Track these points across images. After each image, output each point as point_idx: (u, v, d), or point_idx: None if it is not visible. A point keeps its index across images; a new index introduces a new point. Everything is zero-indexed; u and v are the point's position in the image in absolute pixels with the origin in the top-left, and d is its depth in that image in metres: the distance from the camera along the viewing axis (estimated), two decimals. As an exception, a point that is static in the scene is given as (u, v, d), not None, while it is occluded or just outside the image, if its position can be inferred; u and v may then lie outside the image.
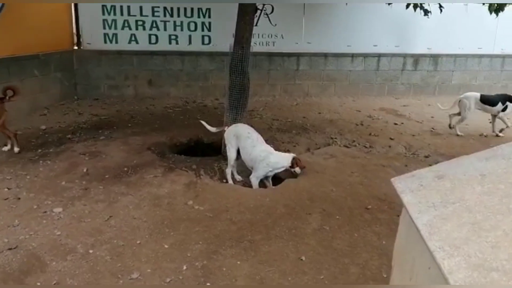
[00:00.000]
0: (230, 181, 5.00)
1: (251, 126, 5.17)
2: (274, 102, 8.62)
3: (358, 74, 9.15)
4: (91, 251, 3.28)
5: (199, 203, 4.08)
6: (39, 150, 5.40)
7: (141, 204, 4.06)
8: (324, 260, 3.24)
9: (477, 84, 9.66)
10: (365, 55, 9.05)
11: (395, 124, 7.36)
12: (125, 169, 4.85)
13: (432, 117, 7.91)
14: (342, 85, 9.00)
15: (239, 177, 5.15)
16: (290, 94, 9.02)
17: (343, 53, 8.86)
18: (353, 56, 8.99)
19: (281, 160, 4.72)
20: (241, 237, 3.53)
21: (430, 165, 5.38)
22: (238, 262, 3.19)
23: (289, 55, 8.77)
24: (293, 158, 4.70)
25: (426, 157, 5.91)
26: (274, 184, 4.91)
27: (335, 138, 6.53)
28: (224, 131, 5.15)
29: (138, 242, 3.42)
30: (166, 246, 3.37)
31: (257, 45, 8.60)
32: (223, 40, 8.36)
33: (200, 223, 3.72)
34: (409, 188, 2.14)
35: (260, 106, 8.23)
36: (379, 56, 9.09)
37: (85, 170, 4.80)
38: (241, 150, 4.90)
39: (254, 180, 4.68)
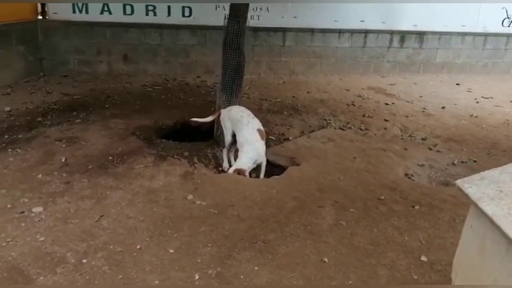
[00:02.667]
0: (226, 165, 4.64)
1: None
2: (259, 81, 8.19)
3: (345, 51, 8.82)
4: (84, 261, 2.84)
5: (200, 198, 3.68)
6: (6, 137, 4.80)
7: (135, 200, 3.62)
8: (348, 262, 2.94)
9: (459, 62, 9.56)
10: (352, 31, 8.71)
11: (387, 104, 7.11)
12: (110, 158, 4.37)
13: (421, 96, 7.72)
14: (329, 62, 8.65)
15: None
16: (275, 72, 8.60)
17: (330, 29, 8.48)
18: (340, 32, 8.63)
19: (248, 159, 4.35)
20: (254, 237, 3.18)
21: (430, 148, 5.22)
22: (256, 268, 2.85)
23: (274, 30, 8.31)
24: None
25: (423, 139, 5.71)
26: (274, 173, 4.58)
27: (329, 120, 6.23)
28: (219, 115, 4.74)
29: (138, 247, 3.01)
30: (171, 251, 2.98)
31: (242, 19, 8.08)
32: (205, 12, 7.83)
33: (205, 222, 3.34)
34: (487, 195, 1.86)
35: (245, 85, 7.75)
36: (366, 32, 8.77)
37: (63, 159, 4.29)
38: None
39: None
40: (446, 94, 7.94)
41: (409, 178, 4.61)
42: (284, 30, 8.34)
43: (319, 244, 3.13)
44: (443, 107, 7.07)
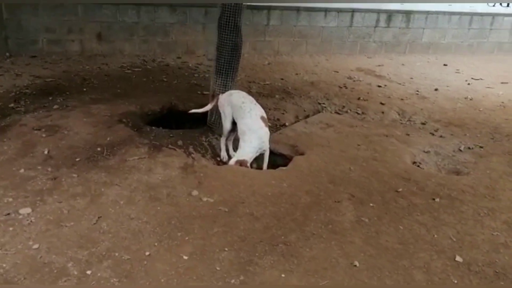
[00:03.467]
0: (224, 154, 4.32)
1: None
2: (244, 61, 7.75)
3: (331, 30, 8.52)
4: (89, 272, 2.48)
5: (206, 194, 3.35)
6: (-24, 125, 4.30)
7: (134, 197, 3.25)
8: (380, 265, 2.70)
9: (445, 42, 9.45)
10: (339, 10, 8.40)
11: (379, 86, 6.90)
12: (99, 149, 3.95)
13: (411, 78, 7.56)
14: (314, 42, 8.34)
15: (234, 153, 4.43)
16: (259, 52, 8.22)
17: (316, 8, 8.14)
18: (326, 11, 8.30)
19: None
20: (273, 238, 2.88)
21: (432, 133, 5.03)
22: (283, 275, 2.56)
23: (259, 8, 7.89)
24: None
25: (423, 124, 5.53)
26: (276, 163, 4.30)
27: (323, 104, 5.96)
28: (217, 100, 4.37)
29: (147, 253, 2.66)
30: (185, 257, 2.65)
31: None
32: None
33: (216, 221, 3.02)
34: None
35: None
36: (352, 11, 8.49)
37: (46, 151, 3.84)
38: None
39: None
40: (436, 76, 7.81)
41: (418, 166, 4.41)
42: (269, 9, 7.94)
43: (345, 245, 2.87)
44: (436, 89, 6.92)
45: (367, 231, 3.04)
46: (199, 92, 5.91)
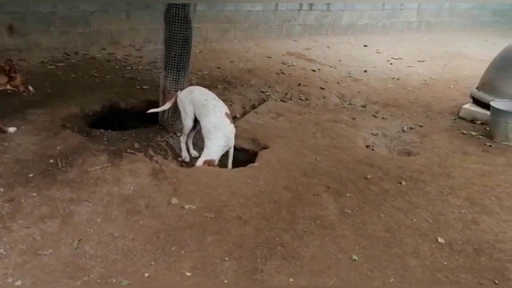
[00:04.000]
0: (185, 154, 4.17)
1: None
2: (174, 50, 7.48)
3: (258, 15, 8.48)
4: (90, 306, 2.27)
5: (186, 200, 3.21)
6: None
7: (110, 212, 3.01)
8: (376, 256, 2.82)
9: (362, 23, 9.91)
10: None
11: (314, 71, 7.07)
12: (51, 161, 3.58)
13: (339, 60, 7.84)
14: (242, 27, 8.25)
15: (195, 152, 4.31)
16: None
17: (242, -9, 8.04)
18: (252, -6, 8.26)
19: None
20: (269, 241, 2.87)
21: (374, 116, 5.31)
22: (291, 279, 2.57)
23: (185, -7, 7.59)
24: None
25: (363, 106, 5.81)
26: (239, 158, 4.25)
27: (266, 92, 5.98)
28: (176, 97, 4.17)
29: (146, 275, 2.50)
30: (188, 274, 2.53)
31: (146, -20, 7.22)
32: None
33: (206, 230, 2.92)
34: None
35: (159, 55, 7.03)
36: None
37: (-11, 169, 3.40)
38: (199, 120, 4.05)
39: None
40: (360, 57, 8.19)
41: (372, 149, 4.64)
42: (195, -7, 7.67)
43: (338, 239, 2.95)
44: (365, 71, 7.26)
45: (353, 222, 3.15)
46: (138, 87, 5.59)
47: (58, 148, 3.77)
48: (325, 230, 3.03)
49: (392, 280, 2.62)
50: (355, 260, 2.76)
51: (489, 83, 5.51)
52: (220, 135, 3.84)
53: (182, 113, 4.11)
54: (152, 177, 3.48)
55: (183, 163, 4.16)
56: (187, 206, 3.14)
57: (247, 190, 3.41)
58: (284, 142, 4.35)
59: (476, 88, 5.74)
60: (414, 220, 3.23)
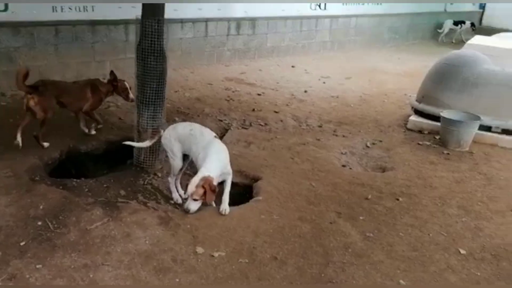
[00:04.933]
0: (176, 196, 3.88)
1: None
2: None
3: (189, 42, 8.30)
4: None
5: (211, 248, 3.01)
6: None
7: (137, 274, 2.70)
8: (420, 277, 2.91)
9: (284, 45, 10.23)
10: (194, 21, 8.24)
11: (259, 95, 7.11)
12: (39, 223, 3.13)
13: (277, 83, 7.99)
14: (176, 55, 7.99)
15: (183, 192, 4.05)
16: (122, 71, 7.36)
17: (172, 19, 7.77)
18: (182, 21, 8.04)
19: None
20: (316, 280, 2.81)
21: (335, 135, 5.51)
22: (358, 315, 2.52)
23: (115, 23, 7.16)
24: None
25: (320, 126, 5.97)
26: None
27: (225, 120, 5.87)
28: (160, 136, 3.89)
29: None
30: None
31: (72, 10, 6.71)
32: (26, 5, 6.18)
33: (249, 277, 2.77)
34: None
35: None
36: (206, 21, 8.43)
37: (-36, 243, 2.86)
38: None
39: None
40: (293, 78, 8.43)
41: (350, 168, 4.78)
42: (125, 23, 7.28)
43: (378, 265, 2.98)
44: (305, 91, 7.49)
45: (381, 245, 3.21)
46: (92, 125, 5.11)
47: (41, 207, 3.31)
48: (361, 258, 3.04)
49: (445, 298, 2.71)
50: (404, 285, 2.80)
51: (429, 96, 6.03)
52: (214, 157, 3.48)
53: (169, 154, 3.81)
54: (163, 227, 3.20)
55: (177, 206, 3.88)
56: (216, 254, 2.94)
57: (266, 227, 3.30)
58: (272, 171, 4.30)
59: (417, 101, 6.24)
60: (431, 235, 3.39)
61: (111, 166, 4.63)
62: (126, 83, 4.83)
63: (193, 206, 3.37)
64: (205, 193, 3.28)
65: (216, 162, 3.46)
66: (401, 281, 2.83)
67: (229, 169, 3.67)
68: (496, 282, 2.90)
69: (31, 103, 4.19)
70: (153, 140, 3.96)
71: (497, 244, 3.32)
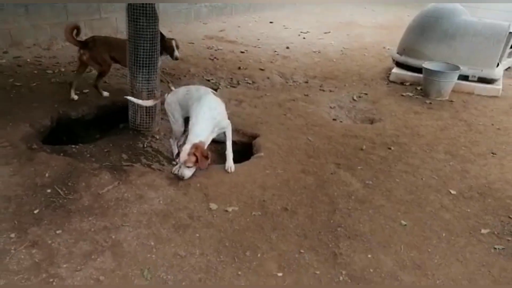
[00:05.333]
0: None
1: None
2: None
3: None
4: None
5: (224, 204, 3.14)
6: None
7: (158, 232, 2.81)
8: (418, 218, 3.13)
9: (261, 0, 10.11)
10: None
11: (242, 52, 7.11)
12: (48, 190, 3.15)
13: (258, 39, 7.98)
14: (152, 14, 7.80)
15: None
16: (98, 32, 7.17)
17: (147, -24, 7.57)
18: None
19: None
20: (326, 226, 2.98)
21: (322, 90, 5.63)
22: (369, 255, 2.73)
23: (88, -20, 6.91)
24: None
25: (306, 82, 6.08)
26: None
27: (212, 80, 5.88)
28: (164, 100, 3.88)
29: (242, 285, 2.44)
30: (280, 275, 2.54)
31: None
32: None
33: (264, 228, 2.92)
34: None
35: (74, 54, 6.34)
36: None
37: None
38: None
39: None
40: (273, 34, 8.42)
41: (341, 121, 4.94)
42: (99, -19, 7.04)
43: (380, 209, 3.19)
44: (287, 47, 7.53)
45: (380, 191, 3.41)
46: (77, 92, 5.03)
47: (47, 174, 3.32)
48: (364, 204, 3.24)
49: (444, 234, 2.95)
50: (405, 225, 3.03)
51: (410, 48, 6.19)
52: (203, 116, 3.40)
53: (171, 119, 3.80)
54: (173, 186, 3.28)
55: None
56: (229, 209, 3.07)
57: (273, 181, 3.44)
58: (268, 128, 4.41)
59: (398, 53, 6.40)
60: (423, 179, 3.62)
61: (103, 131, 4.62)
62: (173, 41, 4.87)
63: (187, 172, 3.32)
64: (197, 160, 3.27)
65: (205, 122, 3.39)
66: (402, 221, 3.05)
67: (225, 123, 3.63)
68: (484, 217, 3.17)
69: (83, 58, 4.65)
70: (156, 101, 3.97)
71: (482, 183, 3.60)
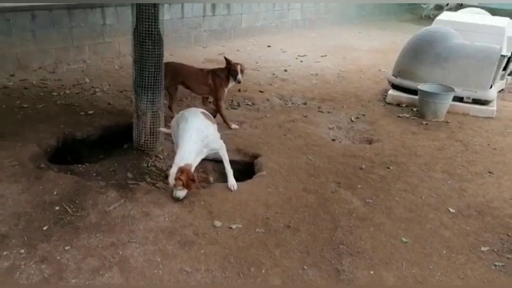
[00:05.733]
0: None
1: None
2: (90, 69, 6.96)
3: (166, 24, 8.25)
4: None
5: (228, 221, 3.21)
6: None
7: (164, 249, 2.88)
8: (419, 235, 3.21)
9: (259, 25, 10.34)
10: (170, 2, 8.25)
11: (242, 75, 7.24)
12: (57, 208, 3.23)
13: (256, 63, 8.15)
14: (154, 38, 7.99)
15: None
16: (101, 56, 7.45)
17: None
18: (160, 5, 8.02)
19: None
20: (328, 243, 3.06)
21: (320, 111, 5.76)
22: (372, 272, 2.80)
23: (91, 6, 7.08)
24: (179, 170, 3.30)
25: (305, 104, 6.20)
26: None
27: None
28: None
29: (248, 300, 2.50)
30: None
31: (47, -5, 6.59)
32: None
33: (267, 245, 2.99)
34: None
35: (78, 76, 6.53)
36: (182, 2, 8.45)
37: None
38: None
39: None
40: (271, 57, 8.60)
41: (339, 142, 5.05)
42: (102, 6, 7.22)
43: (381, 227, 3.27)
44: (285, 70, 7.69)
45: (381, 209, 3.50)
46: (82, 113, 5.15)
47: (55, 192, 3.39)
48: (365, 221, 3.32)
49: (444, 252, 3.03)
50: (406, 242, 3.10)
51: (405, 70, 6.36)
52: (190, 133, 3.42)
53: (174, 140, 3.91)
54: (179, 204, 3.36)
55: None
56: (234, 226, 3.15)
57: (275, 199, 3.52)
58: (269, 148, 4.51)
59: (393, 75, 6.56)
60: (423, 197, 3.71)
61: (107, 151, 4.71)
62: (239, 66, 4.99)
63: (180, 193, 3.35)
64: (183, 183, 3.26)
65: (191, 145, 3.39)
66: (403, 239, 3.13)
67: (217, 145, 3.68)
68: (483, 235, 3.25)
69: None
70: None
71: (480, 202, 3.69)
